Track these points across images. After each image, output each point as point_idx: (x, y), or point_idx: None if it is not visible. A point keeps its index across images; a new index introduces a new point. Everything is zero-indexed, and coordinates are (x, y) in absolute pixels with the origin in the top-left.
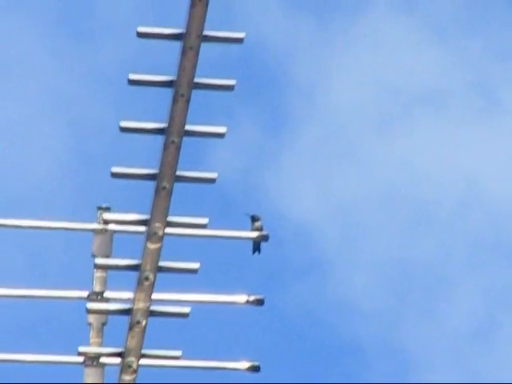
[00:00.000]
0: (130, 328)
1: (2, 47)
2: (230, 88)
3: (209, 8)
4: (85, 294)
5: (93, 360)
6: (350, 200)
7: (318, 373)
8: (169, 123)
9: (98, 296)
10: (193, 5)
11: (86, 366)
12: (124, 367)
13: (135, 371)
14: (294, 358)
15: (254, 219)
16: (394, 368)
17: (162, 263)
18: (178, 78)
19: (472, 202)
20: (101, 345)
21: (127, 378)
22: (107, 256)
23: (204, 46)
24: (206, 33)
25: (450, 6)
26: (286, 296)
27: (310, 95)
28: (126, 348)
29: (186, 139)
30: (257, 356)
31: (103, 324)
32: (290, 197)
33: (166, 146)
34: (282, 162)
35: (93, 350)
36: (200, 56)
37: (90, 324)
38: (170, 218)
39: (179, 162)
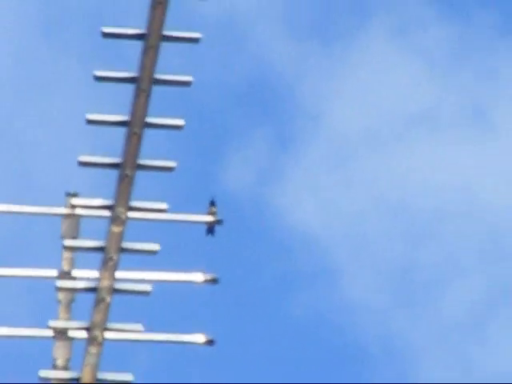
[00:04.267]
0: (96, 304)
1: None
2: (187, 84)
3: (225, 37)
4: (54, 273)
5: (61, 334)
6: (352, 212)
7: (324, 372)
8: (131, 116)
9: (66, 275)
10: (153, 7)
11: (56, 339)
12: (90, 340)
13: (100, 344)
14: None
15: (211, 204)
16: (395, 365)
17: (124, 245)
18: (139, 74)
19: (468, 211)
20: (69, 320)
21: (93, 350)
22: (74, 238)
23: (225, 82)
24: (165, 33)
25: (441, 33)
26: (295, 300)
27: (315, 117)
28: (91, 322)
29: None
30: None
31: (71, 301)
32: (296, 209)
33: (128, 137)
34: (288, 177)
35: (61, 324)
36: (222, 88)
37: (59, 301)
38: (133, 203)
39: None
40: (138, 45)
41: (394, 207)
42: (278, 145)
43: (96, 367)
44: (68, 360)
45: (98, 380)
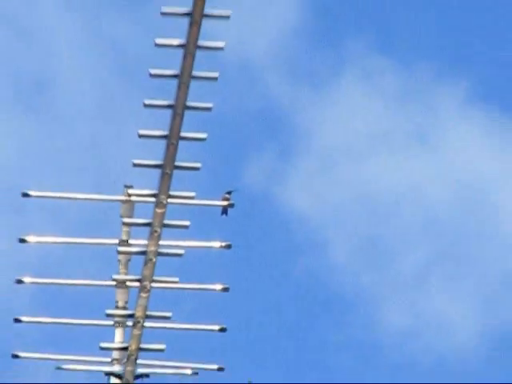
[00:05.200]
0: (145, 263)
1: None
2: (209, 109)
3: (242, 78)
4: (116, 241)
5: (121, 283)
6: (335, 201)
7: (314, 315)
8: (169, 131)
9: (124, 242)
10: (184, 56)
11: (117, 287)
12: (141, 288)
13: (149, 291)
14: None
15: (227, 193)
16: (365, 308)
17: (165, 221)
18: (175, 102)
19: (415, 199)
20: (126, 274)
21: (144, 295)
22: (130, 217)
23: (242, 111)
24: (194, 73)
25: (394, 78)
26: (294, 263)
27: (307, 136)
28: (142, 276)
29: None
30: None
31: (128, 260)
32: (294, 200)
33: (167, 146)
34: (289, 178)
35: (121, 277)
36: (240, 115)
37: (119, 260)
38: (171, 193)
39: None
40: (174, 82)
41: (364, 198)
42: (281, 155)
43: (146, 307)
44: (126, 302)
45: (147, 315)
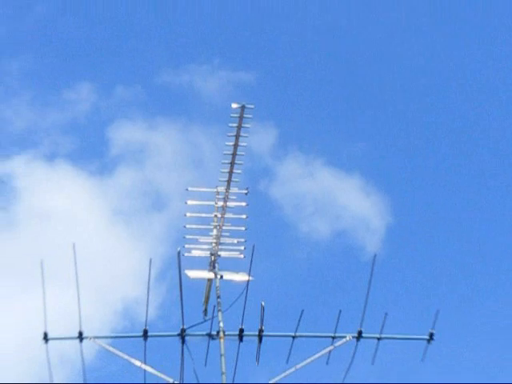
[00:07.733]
0: (222, 210)
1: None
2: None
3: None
4: (213, 203)
5: (215, 216)
6: (277, 197)
7: None
8: (228, 175)
9: (215, 203)
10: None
11: (215, 217)
12: (221, 215)
13: (223, 217)
14: None
15: (246, 188)
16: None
17: (228, 197)
18: (228, 179)
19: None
20: (217, 212)
21: (222, 218)
22: (218, 195)
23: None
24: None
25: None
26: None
27: (274, 188)
28: (221, 213)
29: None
30: None
31: (217, 208)
32: (278, 193)
33: (228, 178)
34: (269, 193)
35: (215, 213)
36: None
37: (215, 205)
38: (230, 189)
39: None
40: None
41: (292, 196)
42: (270, 181)
43: (223, 222)
44: (217, 220)
45: (224, 225)
